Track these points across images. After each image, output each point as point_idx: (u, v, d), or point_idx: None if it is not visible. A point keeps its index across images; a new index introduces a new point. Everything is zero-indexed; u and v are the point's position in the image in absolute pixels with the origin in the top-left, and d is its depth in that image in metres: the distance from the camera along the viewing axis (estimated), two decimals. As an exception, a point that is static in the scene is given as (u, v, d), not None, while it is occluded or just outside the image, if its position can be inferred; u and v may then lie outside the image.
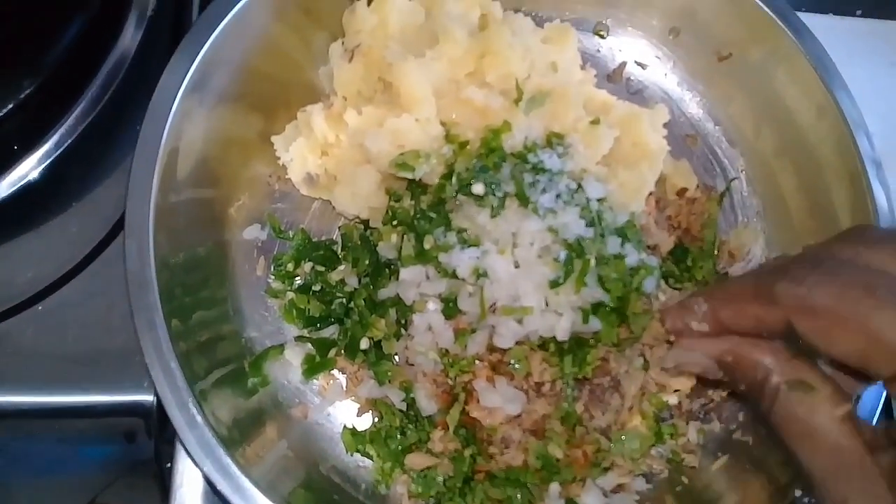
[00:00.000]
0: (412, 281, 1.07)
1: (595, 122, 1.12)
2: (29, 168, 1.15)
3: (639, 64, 1.37)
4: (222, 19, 1.10)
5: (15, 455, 1.21)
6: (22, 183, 1.15)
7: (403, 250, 1.08)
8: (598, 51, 1.37)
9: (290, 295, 1.18)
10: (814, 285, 0.75)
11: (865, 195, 1.11)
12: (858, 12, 1.51)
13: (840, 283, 0.74)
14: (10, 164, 1.15)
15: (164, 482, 1.14)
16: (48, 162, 1.16)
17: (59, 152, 1.16)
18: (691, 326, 0.92)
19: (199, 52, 1.08)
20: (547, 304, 1.03)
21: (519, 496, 1.06)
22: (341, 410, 1.16)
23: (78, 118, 1.18)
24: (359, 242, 1.19)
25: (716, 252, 1.24)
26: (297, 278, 1.20)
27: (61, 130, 1.17)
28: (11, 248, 1.19)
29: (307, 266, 1.19)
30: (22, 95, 1.16)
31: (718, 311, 0.89)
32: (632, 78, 1.36)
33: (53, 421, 1.14)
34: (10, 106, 1.14)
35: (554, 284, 1.02)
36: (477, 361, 1.07)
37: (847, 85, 1.17)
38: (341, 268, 1.19)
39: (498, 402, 1.05)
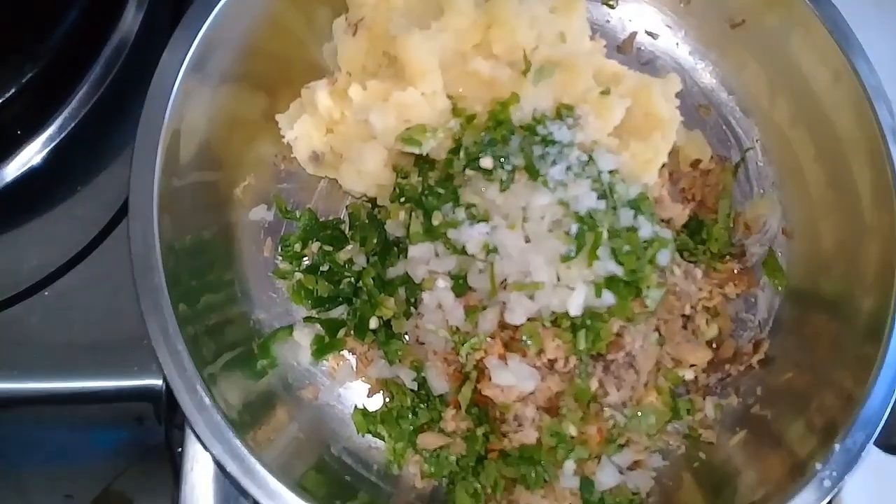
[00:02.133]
0: (421, 258, 1.06)
1: (605, 92, 1.10)
2: (32, 153, 1.15)
3: (649, 33, 1.34)
4: (222, -3, 1.08)
5: (27, 442, 1.21)
6: (26, 168, 1.15)
7: (412, 227, 1.07)
8: (608, 21, 1.35)
9: (298, 275, 1.18)
10: None
11: (885, 164, 1.09)
12: (874, -24, 1.48)
13: None
14: (13, 149, 1.15)
15: (176, 467, 1.14)
16: (52, 146, 1.16)
17: (62, 136, 1.16)
18: None
19: (199, 31, 1.07)
20: (559, 279, 1.01)
21: (533, 474, 1.05)
22: (352, 391, 1.16)
23: (81, 101, 1.18)
24: (366, 221, 1.18)
25: (731, 224, 1.23)
26: (304, 258, 1.20)
27: (64, 114, 1.17)
28: (17, 235, 1.19)
29: (315, 246, 1.19)
30: (24, 80, 1.15)
31: None
32: (642, 48, 1.35)
33: (63, 407, 1.14)
34: (13, 91, 1.14)
35: (566, 258, 1.00)
36: (488, 339, 1.06)
37: (865, 50, 1.14)
38: (349, 247, 1.19)
39: (511, 379, 1.04)
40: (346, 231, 1.21)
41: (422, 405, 1.11)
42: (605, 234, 1.01)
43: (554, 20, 1.13)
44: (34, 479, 1.24)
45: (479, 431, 1.08)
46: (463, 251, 1.04)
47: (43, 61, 1.16)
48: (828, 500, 0.97)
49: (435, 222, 1.05)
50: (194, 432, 0.96)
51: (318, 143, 1.17)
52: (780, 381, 1.15)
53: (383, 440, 1.13)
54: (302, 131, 1.17)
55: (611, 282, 1.02)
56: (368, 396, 1.16)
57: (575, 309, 1.01)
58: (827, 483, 0.97)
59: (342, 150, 1.15)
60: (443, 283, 1.06)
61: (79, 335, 1.13)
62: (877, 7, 1.46)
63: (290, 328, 1.17)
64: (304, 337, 1.16)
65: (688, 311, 1.13)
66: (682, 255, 1.17)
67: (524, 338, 1.05)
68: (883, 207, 1.09)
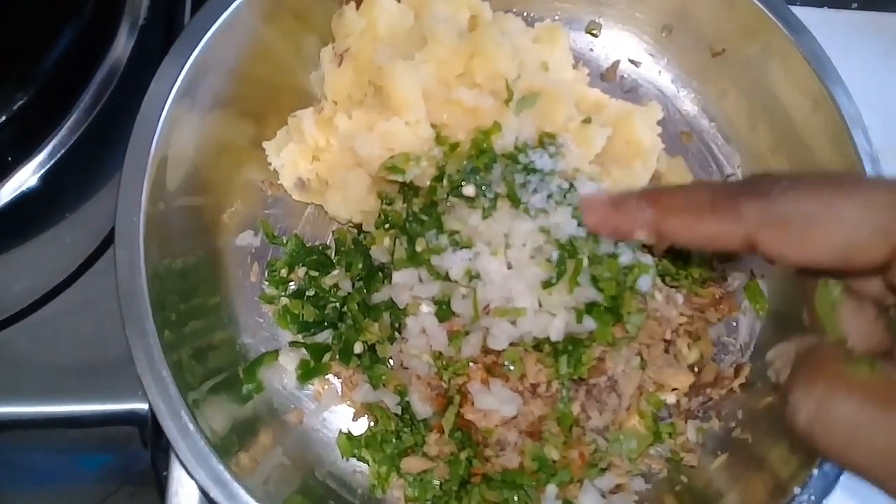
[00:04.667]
0: (405, 284, 1.07)
1: (587, 120, 1.12)
2: (22, 179, 1.16)
3: (632, 62, 1.36)
4: (212, 25, 1.09)
5: (16, 466, 1.20)
6: (15, 194, 1.15)
7: (396, 253, 1.08)
8: (591, 49, 1.37)
9: (284, 300, 1.18)
10: (780, 194, 0.70)
11: (863, 190, 1.10)
12: (854, 5, 1.50)
13: (807, 186, 0.69)
14: (3, 176, 1.15)
15: (162, 491, 1.13)
16: (41, 173, 1.16)
17: (52, 163, 1.16)
18: (630, 232, 0.83)
19: (188, 58, 1.08)
20: (540, 305, 1.02)
21: (516, 498, 1.06)
22: (336, 415, 1.16)
23: (71, 128, 1.18)
24: (352, 247, 1.19)
25: (712, 250, 1.23)
26: (290, 284, 1.20)
27: (54, 141, 1.17)
28: (4, 260, 1.18)
29: (301, 271, 1.19)
30: (14, 107, 1.16)
31: (663, 220, 0.80)
32: (625, 76, 1.36)
33: (49, 431, 1.14)
34: (3, 117, 1.15)
35: (547, 285, 1.01)
36: (471, 364, 1.06)
37: (842, 79, 1.15)
38: (335, 272, 1.18)
39: (493, 404, 1.04)
40: (332, 256, 1.21)
41: (405, 429, 1.11)
42: (585, 261, 1.01)
43: (536, 50, 1.15)
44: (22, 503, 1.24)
45: (462, 455, 1.08)
46: (446, 277, 1.04)
47: (34, 88, 1.17)
48: (806, 523, 0.97)
49: (419, 248, 1.05)
50: (178, 457, 0.96)
51: (304, 170, 1.18)
52: (761, 405, 1.14)
53: (367, 464, 1.12)
54: (288, 158, 1.17)
55: (591, 308, 1.02)
56: (353, 420, 1.15)
57: (556, 334, 1.02)
58: (805, 507, 0.97)
59: (328, 177, 1.16)
60: (426, 309, 1.07)
61: (65, 360, 1.13)
62: (857, 35, 1.48)
63: (276, 353, 1.16)
64: (289, 361, 1.16)
65: (669, 335, 1.13)
66: (663, 281, 1.17)
67: (506, 363, 1.05)
68: (860, 232, 1.09)
